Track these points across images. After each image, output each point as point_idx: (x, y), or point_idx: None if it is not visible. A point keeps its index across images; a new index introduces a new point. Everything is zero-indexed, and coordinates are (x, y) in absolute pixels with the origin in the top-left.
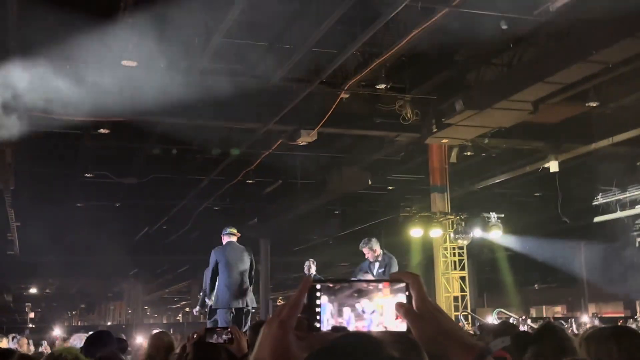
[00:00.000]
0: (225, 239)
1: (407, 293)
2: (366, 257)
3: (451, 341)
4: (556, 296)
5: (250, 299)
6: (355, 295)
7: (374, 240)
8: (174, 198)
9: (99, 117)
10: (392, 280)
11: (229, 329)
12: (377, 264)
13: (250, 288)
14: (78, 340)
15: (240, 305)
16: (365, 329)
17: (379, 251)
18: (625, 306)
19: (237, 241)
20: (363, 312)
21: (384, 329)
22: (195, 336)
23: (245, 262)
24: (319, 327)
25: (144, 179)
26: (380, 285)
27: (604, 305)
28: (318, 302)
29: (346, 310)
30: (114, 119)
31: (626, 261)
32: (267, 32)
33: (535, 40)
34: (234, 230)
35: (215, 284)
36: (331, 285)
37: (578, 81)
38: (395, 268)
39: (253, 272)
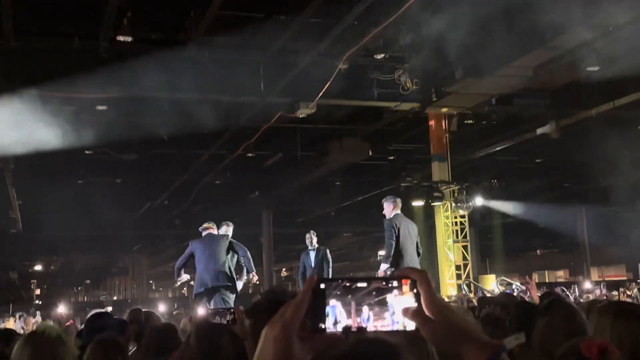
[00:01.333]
0: (203, 234)
1: (414, 291)
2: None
3: (464, 340)
4: (558, 261)
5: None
6: (374, 293)
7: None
8: (175, 173)
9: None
10: (399, 277)
11: (232, 310)
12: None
13: (229, 273)
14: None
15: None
16: (385, 328)
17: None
18: (628, 269)
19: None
20: (385, 310)
21: (403, 328)
22: (195, 318)
23: (220, 252)
24: (324, 328)
25: (144, 154)
26: (395, 283)
27: (606, 269)
28: (323, 302)
29: (365, 309)
30: (111, 94)
31: (628, 224)
32: (264, 3)
33: (534, 3)
34: (209, 225)
35: (181, 270)
36: (348, 284)
37: (578, 45)
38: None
39: (239, 259)
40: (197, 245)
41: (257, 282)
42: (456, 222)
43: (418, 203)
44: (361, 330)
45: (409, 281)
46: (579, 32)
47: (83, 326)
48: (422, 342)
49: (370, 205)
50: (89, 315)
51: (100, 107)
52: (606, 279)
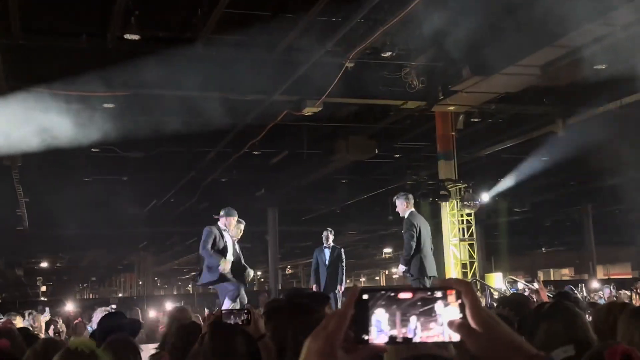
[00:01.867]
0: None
1: (459, 301)
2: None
3: (510, 352)
4: (563, 259)
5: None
6: (419, 303)
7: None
8: (181, 171)
9: (103, 91)
10: (442, 287)
11: (246, 310)
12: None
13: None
14: (99, 314)
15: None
16: (432, 339)
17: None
18: (633, 267)
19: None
20: (431, 320)
21: (449, 339)
22: (211, 317)
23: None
24: (367, 340)
25: (151, 152)
26: (439, 293)
27: (612, 267)
28: (366, 313)
29: (412, 319)
30: (118, 93)
31: (633, 223)
32: (271, 2)
33: (542, 2)
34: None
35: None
36: (392, 294)
37: (586, 43)
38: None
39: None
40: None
41: (262, 280)
42: (462, 220)
43: (425, 201)
44: (407, 340)
45: (453, 291)
46: (586, 30)
47: (95, 326)
48: (467, 354)
49: (376, 204)
50: (97, 315)
51: (107, 105)
52: (611, 277)
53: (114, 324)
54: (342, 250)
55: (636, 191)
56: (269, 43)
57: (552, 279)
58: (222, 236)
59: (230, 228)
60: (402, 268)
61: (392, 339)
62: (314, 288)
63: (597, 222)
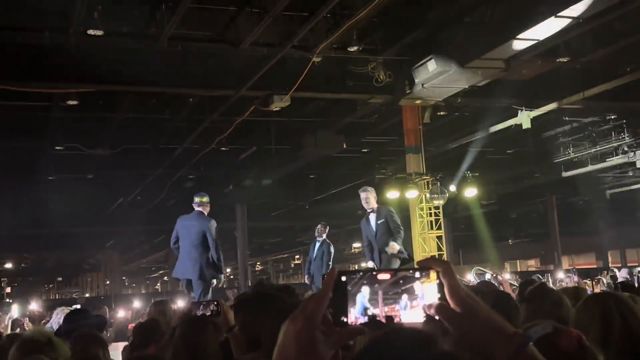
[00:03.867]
0: (194, 208)
1: (437, 281)
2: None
3: (490, 331)
4: (530, 250)
5: (199, 271)
6: (401, 282)
7: (369, 188)
8: (148, 168)
9: (67, 87)
10: (421, 267)
11: (216, 302)
12: (373, 215)
13: (202, 260)
14: (60, 315)
15: (189, 277)
16: (412, 318)
17: (373, 203)
18: (597, 257)
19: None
20: (414, 298)
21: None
22: (181, 310)
23: (192, 233)
24: (346, 322)
25: (116, 149)
26: (418, 273)
27: (576, 258)
28: (345, 295)
29: (404, 297)
30: (82, 89)
31: (597, 214)
32: None
33: None
34: (202, 199)
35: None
36: (374, 273)
37: (549, 37)
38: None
39: (212, 244)
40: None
41: (231, 277)
42: (430, 213)
43: (393, 195)
44: (389, 319)
45: (433, 271)
46: (549, 23)
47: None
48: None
49: (345, 198)
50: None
51: (71, 102)
52: (576, 267)
53: (79, 320)
54: (331, 246)
55: (598, 182)
56: (235, 38)
57: (519, 270)
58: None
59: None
60: (397, 246)
61: (372, 318)
62: (306, 280)
63: (561, 213)
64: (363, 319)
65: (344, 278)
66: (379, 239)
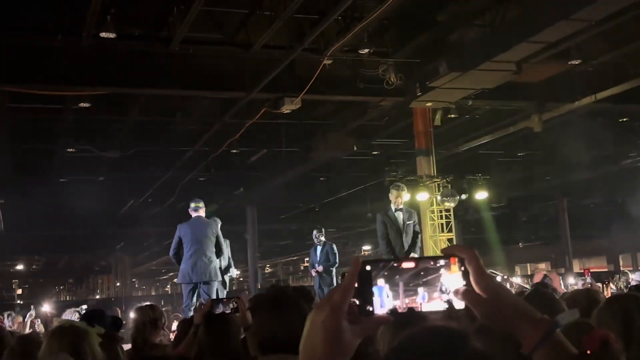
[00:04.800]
0: (192, 214)
1: (462, 269)
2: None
3: (516, 317)
4: (540, 253)
5: (214, 272)
6: (422, 273)
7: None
8: (159, 170)
9: (79, 90)
10: (446, 255)
11: (234, 299)
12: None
13: (217, 260)
14: (70, 315)
15: (207, 279)
16: (436, 308)
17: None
18: (609, 260)
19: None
20: (435, 290)
21: (446, 305)
22: (203, 308)
23: (204, 237)
24: (372, 311)
25: (127, 152)
26: (442, 262)
27: (587, 261)
28: (369, 284)
29: (420, 289)
30: (94, 92)
31: (608, 217)
32: None
33: None
34: (198, 204)
35: (180, 258)
36: (395, 264)
37: (560, 39)
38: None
39: (222, 246)
40: (184, 230)
41: (240, 279)
42: (441, 216)
43: (405, 197)
44: (411, 310)
45: (456, 259)
46: (560, 26)
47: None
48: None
49: (355, 201)
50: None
51: (83, 105)
52: (590, 270)
53: (96, 320)
54: (334, 245)
55: (610, 184)
56: (246, 41)
57: (530, 273)
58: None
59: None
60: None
61: (394, 310)
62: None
63: (572, 216)
64: (384, 309)
65: (368, 267)
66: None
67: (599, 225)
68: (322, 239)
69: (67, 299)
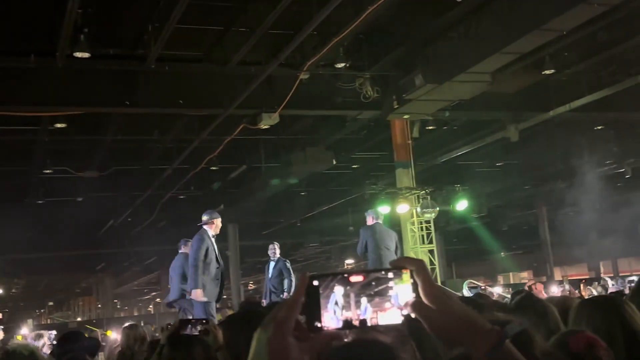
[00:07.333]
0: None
1: (411, 281)
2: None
3: (465, 328)
4: (522, 262)
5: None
6: (373, 284)
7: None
8: (137, 189)
9: (54, 110)
10: (394, 267)
11: (204, 320)
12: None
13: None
14: (46, 339)
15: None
16: (387, 320)
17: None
18: (589, 268)
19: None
20: (386, 300)
21: (402, 318)
22: (169, 327)
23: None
24: (321, 327)
25: (105, 172)
26: (392, 274)
27: (569, 269)
28: (317, 299)
29: (363, 300)
30: (70, 112)
31: (588, 224)
32: (222, 16)
33: (490, 10)
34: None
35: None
36: (346, 275)
37: (534, 50)
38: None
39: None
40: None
41: (224, 296)
42: (422, 227)
43: (384, 210)
44: (362, 323)
45: (407, 270)
46: (532, 36)
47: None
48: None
49: (336, 215)
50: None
51: (59, 125)
52: (569, 278)
53: (72, 344)
54: (287, 262)
55: (589, 192)
56: (222, 57)
57: (512, 282)
58: (213, 245)
59: (217, 231)
60: None
61: (347, 322)
62: (264, 302)
63: (552, 224)
64: (338, 323)
65: (316, 282)
66: None
67: (579, 232)
68: (277, 254)
69: (48, 322)
